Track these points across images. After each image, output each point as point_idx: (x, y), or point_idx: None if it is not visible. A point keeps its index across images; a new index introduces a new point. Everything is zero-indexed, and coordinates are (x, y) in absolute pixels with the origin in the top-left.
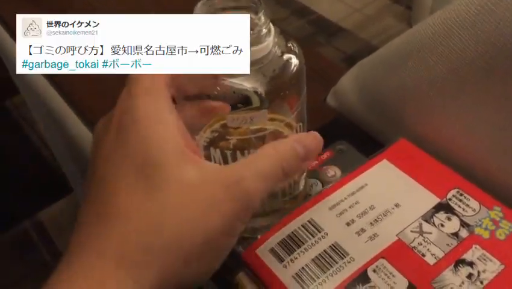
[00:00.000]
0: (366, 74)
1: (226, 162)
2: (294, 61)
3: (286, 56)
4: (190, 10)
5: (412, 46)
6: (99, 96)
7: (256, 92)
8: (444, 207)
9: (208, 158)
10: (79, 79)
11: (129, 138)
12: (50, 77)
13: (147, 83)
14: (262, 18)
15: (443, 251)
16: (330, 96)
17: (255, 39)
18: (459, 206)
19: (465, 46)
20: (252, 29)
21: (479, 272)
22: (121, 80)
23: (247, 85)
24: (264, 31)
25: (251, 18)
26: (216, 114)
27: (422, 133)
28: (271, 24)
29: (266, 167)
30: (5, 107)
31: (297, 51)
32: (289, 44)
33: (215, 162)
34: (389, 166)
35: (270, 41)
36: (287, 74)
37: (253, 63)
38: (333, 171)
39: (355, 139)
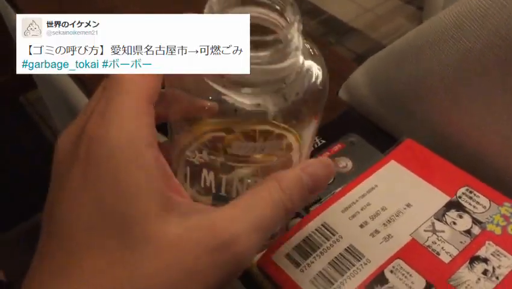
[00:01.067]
0: (378, 68)
1: (218, 188)
2: (319, 75)
3: (310, 69)
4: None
5: (424, 40)
6: None
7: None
8: (454, 205)
9: (198, 174)
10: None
11: (100, 179)
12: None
13: (126, 100)
14: (295, 25)
15: (457, 249)
16: (342, 89)
17: (280, 54)
18: (470, 204)
19: (476, 39)
20: (277, 38)
21: (494, 268)
22: None
23: (262, 106)
24: (294, 43)
25: (275, 20)
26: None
27: (434, 126)
28: (300, 35)
29: (266, 214)
30: (19, 103)
31: (322, 61)
32: (311, 50)
33: (204, 184)
34: (397, 167)
35: (299, 56)
36: (312, 94)
37: (272, 82)
38: (344, 163)
39: (366, 132)
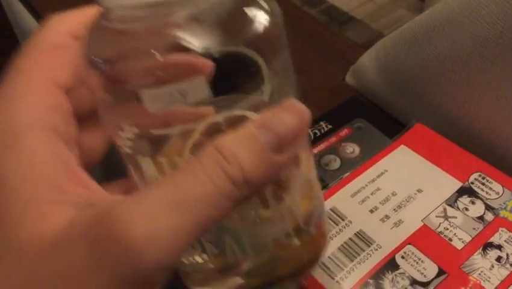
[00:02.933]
0: (388, 51)
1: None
2: (260, 16)
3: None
4: None
5: (437, 22)
6: None
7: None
8: (467, 191)
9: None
10: None
11: None
12: None
13: (24, 79)
14: None
15: (470, 236)
16: (349, 74)
17: None
18: (482, 190)
19: (494, 20)
20: None
21: (507, 255)
22: None
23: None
24: None
25: None
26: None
27: (445, 110)
28: None
29: (193, 195)
30: None
31: (267, 7)
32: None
33: (141, 177)
34: (407, 151)
35: None
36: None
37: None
38: (352, 148)
39: (373, 118)
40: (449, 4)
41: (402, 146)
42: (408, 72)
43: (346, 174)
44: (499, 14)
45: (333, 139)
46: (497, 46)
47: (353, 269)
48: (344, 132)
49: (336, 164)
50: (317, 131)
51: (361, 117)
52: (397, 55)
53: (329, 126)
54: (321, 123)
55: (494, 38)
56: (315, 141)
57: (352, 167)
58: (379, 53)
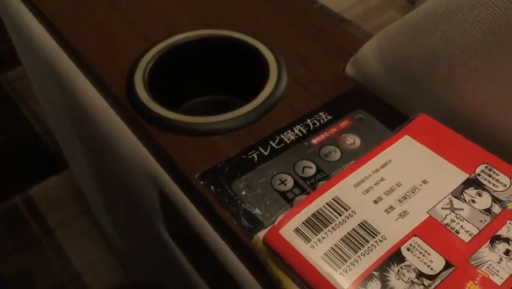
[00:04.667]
0: (391, 41)
1: None
2: None
3: None
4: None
5: (445, 9)
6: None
7: None
8: (473, 183)
9: None
10: (89, 35)
11: None
12: (60, 39)
13: None
14: None
15: (477, 228)
16: (349, 65)
17: None
18: (489, 182)
19: (507, 5)
20: None
21: None
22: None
23: None
24: None
25: None
26: None
27: (452, 101)
28: None
29: None
30: None
31: None
32: None
33: None
34: (412, 142)
35: None
36: None
37: None
38: (352, 139)
39: (374, 109)
40: None
41: (406, 136)
42: (412, 62)
43: (348, 165)
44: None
45: (333, 130)
46: (508, 32)
47: (357, 261)
48: (344, 123)
49: (336, 155)
50: (316, 122)
51: (362, 108)
52: (401, 44)
53: (329, 117)
54: (321, 113)
55: (506, 25)
56: (314, 131)
57: (353, 158)
58: (381, 43)
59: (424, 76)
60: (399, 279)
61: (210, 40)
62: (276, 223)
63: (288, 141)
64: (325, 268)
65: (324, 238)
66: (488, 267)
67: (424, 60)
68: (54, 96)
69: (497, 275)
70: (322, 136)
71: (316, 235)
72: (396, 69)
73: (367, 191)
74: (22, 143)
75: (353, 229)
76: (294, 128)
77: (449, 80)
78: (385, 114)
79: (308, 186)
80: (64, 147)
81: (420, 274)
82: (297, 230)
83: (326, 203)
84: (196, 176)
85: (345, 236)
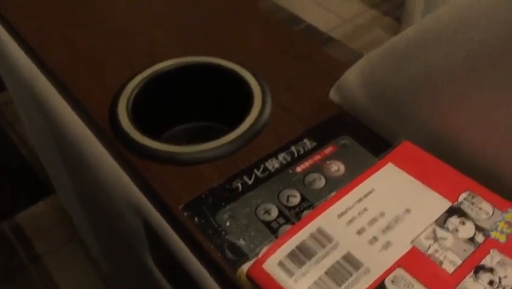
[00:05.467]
0: (374, 68)
1: None
2: None
3: None
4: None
5: (429, 35)
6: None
7: None
8: (456, 211)
9: None
10: (74, 65)
11: None
12: (40, 63)
13: None
14: None
15: (461, 258)
16: (333, 90)
17: None
18: (472, 210)
19: (484, 34)
20: None
21: (500, 278)
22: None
23: None
24: None
25: None
26: None
27: (434, 128)
28: None
29: None
30: None
31: None
32: None
33: None
34: (395, 170)
35: None
36: None
37: None
38: (336, 166)
39: (358, 135)
40: (441, 18)
41: (389, 163)
42: (395, 90)
43: (332, 194)
44: (490, 27)
45: (317, 157)
46: (488, 60)
47: None
48: (328, 149)
49: (321, 182)
50: (300, 148)
51: (346, 134)
52: (384, 72)
53: (314, 144)
54: (305, 140)
55: (485, 51)
56: (299, 158)
57: (337, 185)
58: (364, 70)
59: (407, 104)
60: None
61: (193, 67)
62: (259, 256)
63: (272, 169)
64: None
65: (308, 271)
66: None
67: (406, 88)
68: (38, 122)
69: None
70: (307, 164)
71: (300, 268)
72: (379, 96)
73: (350, 221)
74: (9, 168)
75: (337, 262)
76: (279, 155)
77: (431, 107)
78: (369, 139)
79: (292, 216)
80: (50, 172)
81: None
82: (280, 264)
83: (310, 234)
84: (180, 207)
85: (329, 269)
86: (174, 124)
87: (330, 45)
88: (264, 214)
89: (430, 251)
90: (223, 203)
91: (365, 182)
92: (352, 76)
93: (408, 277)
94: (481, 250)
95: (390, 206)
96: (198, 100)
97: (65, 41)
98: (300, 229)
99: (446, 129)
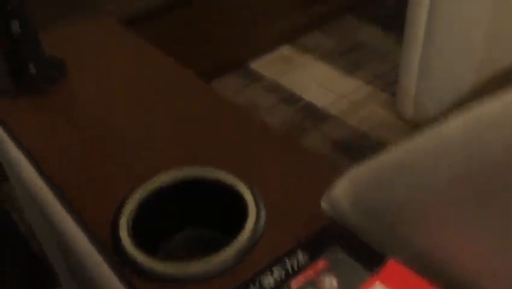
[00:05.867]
0: (361, 187)
1: None
2: None
3: None
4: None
5: (410, 158)
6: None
7: None
8: None
9: None
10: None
11: None
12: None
13: None
14: None
15: None
16: (323, 201)
17: None
18: None
19: (459, 165)
20: None
21: None
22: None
23: None
24: None
25: None
26: None
27: (421, 249)
28: None
29: None
30: None
31: None
32: None
33: None
34: None
35: None
36: None
37: None
38: (330, 282)
39: (349, 246)
40: (423, 143)
41: (377, 282)
42: (381, 210)
43: None
44: (463, 158)
45: (310, 273)
46: (467, 186)
47: None
48: (321, 264)
49: None
50: (294, 262)
51: (337, 246)
52: (370, 191)
53: (306, 257)
54: (298, 251)
55: (463, 180)
56: (293, 274)
57: None
58: (351, 186)
59: (394, 224)
60: None
61: (191, 181)
62: None
63: (268, 287)
64: None
65: None
66: None
67: (393, 209)
68: (44, 229)
69: None
70: (301, 280)
71: None
72: (366, 214)
73: None
74: (16, 258)
75: None
76: (274, 271)
77: (418, 229)
78: (359, 251)
79: None
80: (56, 265)
81: None
82: None
83: None
84: None
85: None
86: (172, 232)
87: (328, 121)
88: None
89: None
90: None
91: None
92: (340, 190)
93: None
94: None
95: None
96: (197, 209)
97: (73, 164)
98: None
99: (433, 252)
